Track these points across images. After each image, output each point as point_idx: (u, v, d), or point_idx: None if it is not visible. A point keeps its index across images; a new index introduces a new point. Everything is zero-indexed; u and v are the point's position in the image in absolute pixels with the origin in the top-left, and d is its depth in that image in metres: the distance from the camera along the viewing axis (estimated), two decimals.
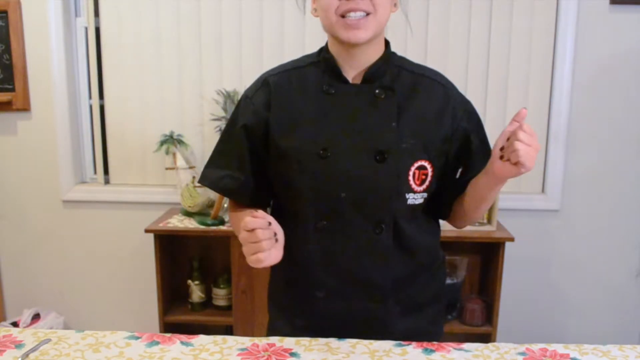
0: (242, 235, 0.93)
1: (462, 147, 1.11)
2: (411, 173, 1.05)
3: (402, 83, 1.08)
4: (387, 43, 1.11)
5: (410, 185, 1.06)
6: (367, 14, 0.99)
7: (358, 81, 1.07)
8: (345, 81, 1.07)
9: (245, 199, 1.15)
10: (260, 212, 0.93)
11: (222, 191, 1.16)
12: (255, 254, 0.92)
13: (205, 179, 1.16)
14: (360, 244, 1.08)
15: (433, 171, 1.08)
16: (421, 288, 1.17)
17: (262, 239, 0.91)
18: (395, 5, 1.07)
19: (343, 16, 0.99)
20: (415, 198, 1.07)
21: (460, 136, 1.11)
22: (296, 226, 1.09)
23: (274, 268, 1.22)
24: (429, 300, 1.20)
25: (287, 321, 1.18)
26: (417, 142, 1.05)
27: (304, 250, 1.10)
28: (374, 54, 1.07)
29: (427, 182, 1.07)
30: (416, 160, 1.05)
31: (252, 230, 0.91)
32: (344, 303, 1.12)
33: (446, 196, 1.15)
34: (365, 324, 1.13)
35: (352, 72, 1.08)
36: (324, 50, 1.10)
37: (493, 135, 2.57)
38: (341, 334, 1.09)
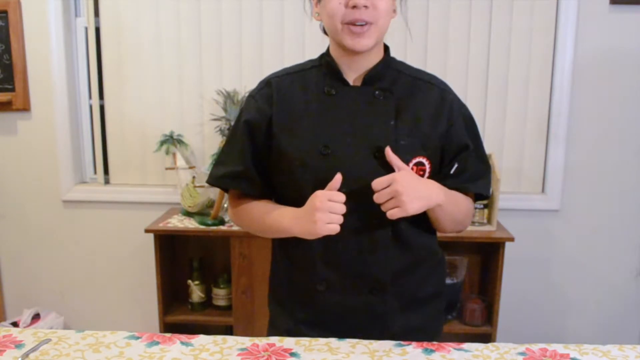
0: (325, 205, 1.01)
1: (459, 148, 1.14)
2: (409, 169, 1.08)
3: (400, 85, 1.13)
4: (386, 48, 1.15)
5: None
6: (370, 24, 1.04)
7: (358, 83, 1.12)
8: (346, 83, 1.12)
9: (246, 189, 1.17)
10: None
11: (223, 184, 1.18)
12: (331, 223, 1.01)
13: (210, 177, 1.20)
14: (360, 238, 1.11)
15: (431, 168, 1.11)
16: (420, 283, 1.19)
17: (341, 212, 1.02)
18: (394, 11, 1.11)
19: (348, 24, 1.04)
20: None
21: (458, 136, 1.14)
22: None
23: (275, 264, 1.25)
24: (429, 297, 1.22)
25: (289, 315, 1.20)
26: (416, 140, 1.10)
27: (305, 245, 1.12)
28: (374, 58, 1.12)
29: (424, 179, 1.10)
30: (414, 156, 1.09)
31: (334, 202, 1.01)
32: (344, 296, 1.14)
33: None
34: (365, 318, 1.15)
35: (353, 74, 1.13)
36: (326, 54, 1.15)
37: (493, 134, 2.57)
38: (341, 328, 1.12)
